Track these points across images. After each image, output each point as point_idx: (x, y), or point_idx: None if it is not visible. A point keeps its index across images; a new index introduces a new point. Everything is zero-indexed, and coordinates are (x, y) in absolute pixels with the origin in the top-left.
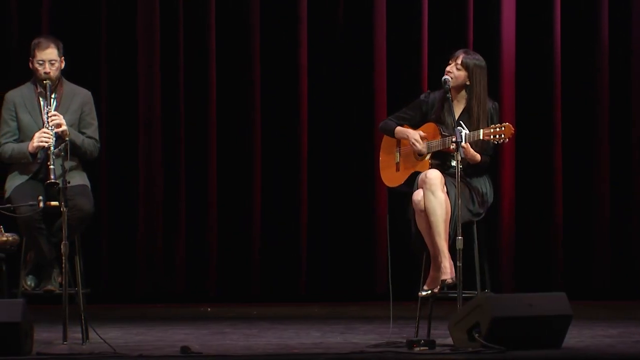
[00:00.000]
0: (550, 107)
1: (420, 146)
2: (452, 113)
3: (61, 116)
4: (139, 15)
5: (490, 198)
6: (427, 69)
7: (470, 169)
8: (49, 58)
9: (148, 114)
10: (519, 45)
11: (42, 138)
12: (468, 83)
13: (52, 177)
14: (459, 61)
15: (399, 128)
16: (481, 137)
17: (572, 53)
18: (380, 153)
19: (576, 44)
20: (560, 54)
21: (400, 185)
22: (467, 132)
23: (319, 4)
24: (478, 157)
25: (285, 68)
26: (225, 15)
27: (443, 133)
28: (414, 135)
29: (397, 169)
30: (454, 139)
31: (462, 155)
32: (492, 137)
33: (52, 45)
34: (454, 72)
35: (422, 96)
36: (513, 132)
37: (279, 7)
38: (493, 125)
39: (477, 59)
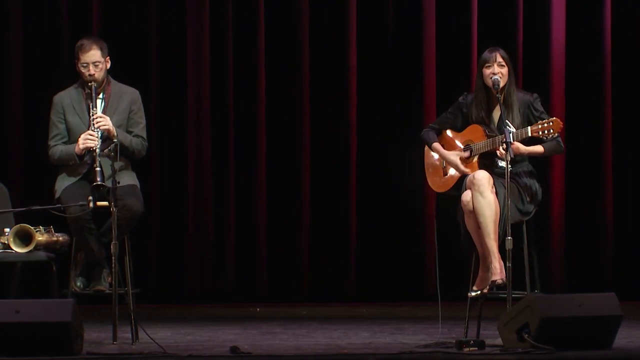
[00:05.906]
0: (600, 106)
1: (467, 169)
2: (501, 112)
3: (107, 118)
4: (188, 14)
5: (539, 194)
6: (477, 69)
7: (535, 159)
8: (92, 60)
9: (197, 113)
10: (569, 44)
11: (87, 140)
12: (508, 77)
13: (98, 179)
14: (499, 58)
15: (435, 145)
16: (529, 134)
17: (623, 51)
18: (425, 159)
19: (626, 41)
20: (610, 51)
21: (449, 190)
22: (515, 130)
23: (369, 6)
24: (531, 149)
25: (334, 69)
26: (274, 16)
27: (489, 134)
28: (454, 160)
29: (445, 173)
30: (503, 139)
31: (512, 156)
32: (540, 133)
33: (95, 47)
34: (502, 71)
35: (461, 98)
36: (562, 126)
37: (329, 8)
38: (541, 121)
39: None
